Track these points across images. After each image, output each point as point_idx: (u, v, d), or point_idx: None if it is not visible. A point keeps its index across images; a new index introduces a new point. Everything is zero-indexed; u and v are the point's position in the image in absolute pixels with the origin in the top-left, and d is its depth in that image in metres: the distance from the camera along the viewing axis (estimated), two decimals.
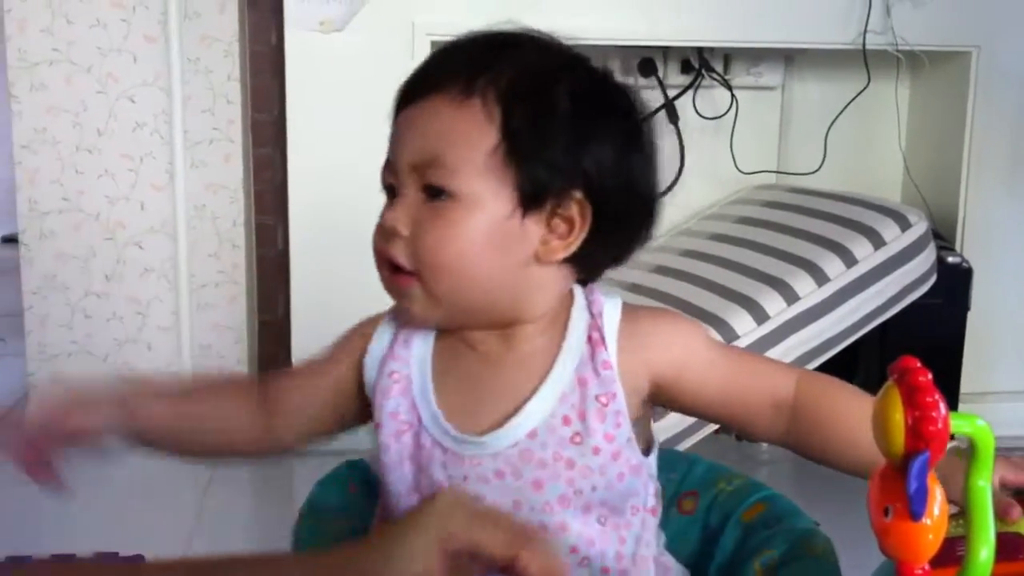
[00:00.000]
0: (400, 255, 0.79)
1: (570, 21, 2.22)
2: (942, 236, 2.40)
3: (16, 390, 2.50)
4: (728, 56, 2.47)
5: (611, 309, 0.84)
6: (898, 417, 0.58)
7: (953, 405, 2.43)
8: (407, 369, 0.85)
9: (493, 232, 0.78)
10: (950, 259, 2.33)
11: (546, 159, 0.78)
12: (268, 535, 2.07)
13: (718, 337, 1.97)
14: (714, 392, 0.85)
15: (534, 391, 0.81)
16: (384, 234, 0.80)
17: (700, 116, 2.46)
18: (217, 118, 2.31)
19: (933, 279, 2.22)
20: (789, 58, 2.53)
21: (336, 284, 2.29)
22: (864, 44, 2.30)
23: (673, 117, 2.43)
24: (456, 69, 0.80)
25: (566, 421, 0.81)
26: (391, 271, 0.81)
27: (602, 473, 0.81)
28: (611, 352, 0.82)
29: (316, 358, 0.93)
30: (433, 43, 2.21)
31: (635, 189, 0.83)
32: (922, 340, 2.36)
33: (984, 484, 0.60)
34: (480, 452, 0.81)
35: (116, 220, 2.33)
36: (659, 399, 0.86)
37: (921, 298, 2.20)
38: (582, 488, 0.81)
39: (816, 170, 2.48)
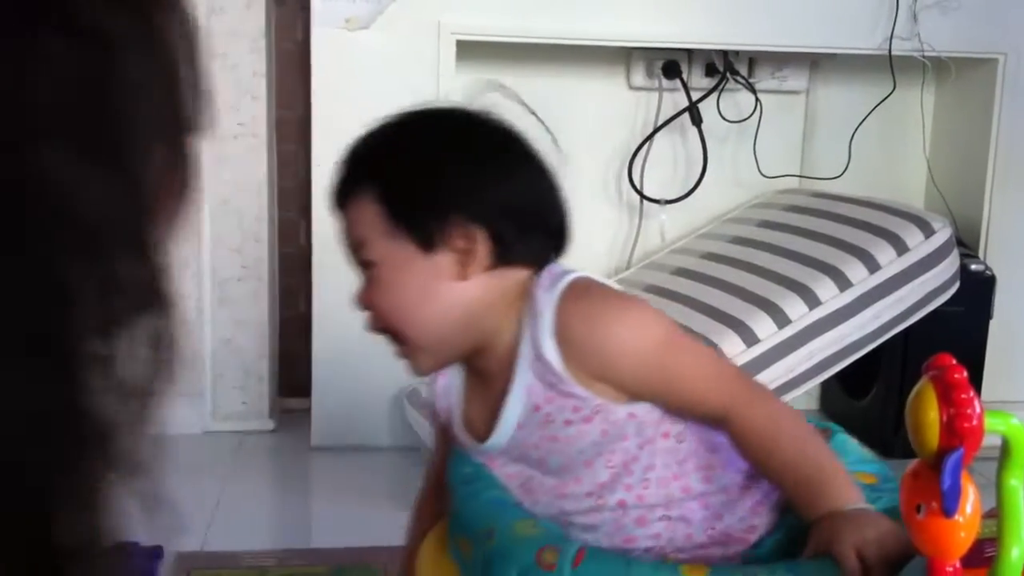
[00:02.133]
0: (372, 324, 1.02)
1: (593, 23, 2.25)
2: (965, 244, 2.39)
3: None
4: (753, 59, 2.46)
5: (546, 310, 0.97)
6: (933, 414, 0.58)
7: None
8: (447, 397, 1.09)
9: (412, 276, 0.98)
10: (973, 267, 2.32)
11: (420, 206, 0.98)
12: (287, 525, 2.08)
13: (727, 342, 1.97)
14: (642, 391, 0.97)
15: (509, 393, 0.99)
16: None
17: (724, 119, 2.45)
18: (242, 114, 2.33)
19: (956, 286, 2.21)
20: (814, 62, 2.52)
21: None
22: (890, 50, 2.29)
23: (696, 120, 2.43)
24: (340, 183, 1.03)
25: (537, 408, 0.99)
26: (390, 338, 1.03)
27: (582, 437, 0.97)
28: (548, 348, 0.96)
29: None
30: (459, 43, 2.22)
31: (505, 200, 1.00)
32: (944, 347, 2.31)
33: (1016, 484, 0.59)
34: (491, 451, 1.03)
35: None
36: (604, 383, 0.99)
37: (943, 305, 2.19)
38: (570, 452, 0.98)
39: (840, 175, 2.47)
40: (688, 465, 0.98)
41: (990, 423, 0.58)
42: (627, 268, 2.51)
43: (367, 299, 1.01)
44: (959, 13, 2.32)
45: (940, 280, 2.17)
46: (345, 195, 1.02)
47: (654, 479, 0.96)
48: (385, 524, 2.00)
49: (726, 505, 0.97)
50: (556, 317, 0.96)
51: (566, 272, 0.99)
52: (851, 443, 1.09)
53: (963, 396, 0.58)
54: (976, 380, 2.38)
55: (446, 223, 0.97)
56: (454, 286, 0.98)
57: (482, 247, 0.97)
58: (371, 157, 1.02)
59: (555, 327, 0.96)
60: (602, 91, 2.47)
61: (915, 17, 2.29)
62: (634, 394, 0.97)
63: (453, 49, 2.22)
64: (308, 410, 2.35)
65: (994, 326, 2.36)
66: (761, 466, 0.96)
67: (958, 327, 2.30)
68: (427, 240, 0.97)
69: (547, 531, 0.94)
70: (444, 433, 1.11)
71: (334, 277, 2.30)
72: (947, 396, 0.58)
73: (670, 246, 2.49)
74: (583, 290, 0.98)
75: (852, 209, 2.26)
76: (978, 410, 0.57)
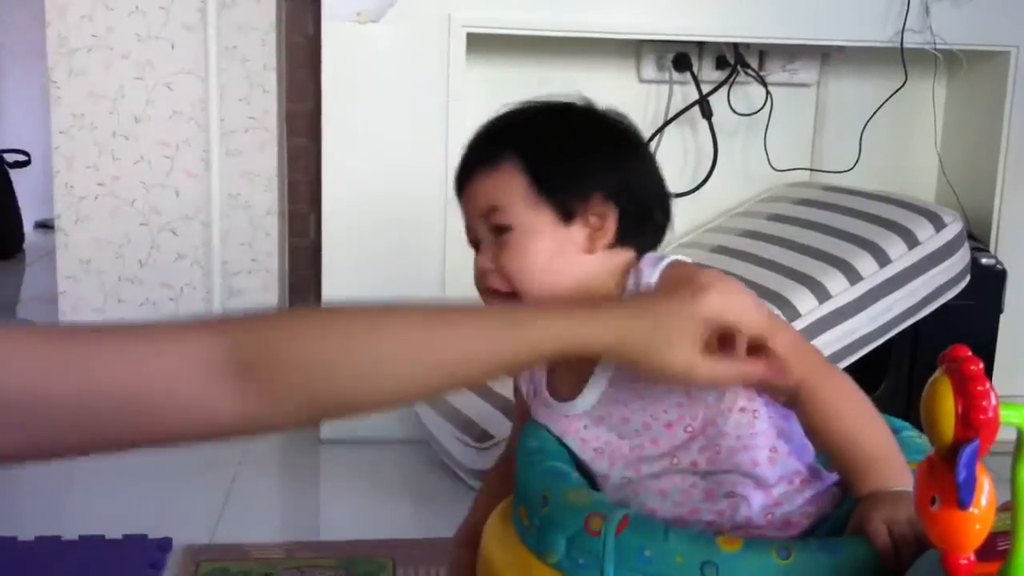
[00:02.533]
0: (494, 283, 1.08)
1: (604, 16, 2.25)
2: (976, 237, 2.38)
3: None
4: (763, 52, 2.46)
5: (652, 276, 1.06)
6: (948, 406, 0.58)
7: None
8: (527, 372, 1.16)
9: (548, 243, 1.06)
10: (984, 260, 2.31)
11: (565, 180, 1.07)
12: (296, 518, 2.08)
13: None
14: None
15: None
16: (481, 274, 1.10)
17: (734, 112, 2.45)
18: (253, 107, 2.33)
19: (967, 280, 2.21)
20: (825, 55, 2.51)
21: (367, 274, 2.30)
22: (902, 42, 2.28)
23: (707, 112, 2.42)
24: (481, 152, 1.11)
25: None
26: (496, 298, 1.09)
27: (668, 395, 1.03)
28: None
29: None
30: (469, 35, 2.22)
31: (631, 185, 1.10)
32: (954, 341, 2.31)
33: None
34: (577, 410, 1.09)
35: (151, 206, 2.35)
36: None
37: (954, 299, 2.19)
38: (653, 411, 1.04)
39: (850, 168, 2.47)
40: (757, 441, 1.02)
41: (1005, 415, 0.58)
42: None
43: (495, 261, 1.08)
44: (971, 6, 2.31)
45: (951, 274, 2.16)
46: (486, 162, 1.10)
47: (725, 447, 1.01)
48: (394, 517, 2.01)
49: (786, 495, 1.01)
50: (660, 280, 1.05)
51: (666, 255, 1.09)
52: (916, 441, 1.12)
53: (979, 388, 0.58)
54: (986, 374, 2.36)
55: (587, 199, 1.07)
56: (580, 257, 1.07)
57: (610, 224, 1.07)
58: (518, 131, 1.11)
59: (659, 287, 1.06)
60: (612, 84, 2.47)
61: (927, 10, 2.28)
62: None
63: (464, 42, 2.22)
64: None
65: (1005, 320, 2.36)
66: (821, 437, 1.00)
67: (968, 321, 2.29)
68: (567, 212, 1.07)
69: (596, 500, 0.98)
70: (521, 409, 1.19)
71: (343, 270, 2.31)
72: (963, 388, 0.58)
73: (679, 240, 2.49)
74: (683, 264, 1.08)
75: (862, 203, 2.25)
76: (994, 402, 0.57)
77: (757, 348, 0.94)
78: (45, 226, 4.53)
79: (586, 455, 1.09)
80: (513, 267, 1.07)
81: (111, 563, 1.76)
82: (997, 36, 2.35)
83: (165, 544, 1.80)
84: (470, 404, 2.14)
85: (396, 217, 2.30)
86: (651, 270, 1.06)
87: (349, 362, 0.78)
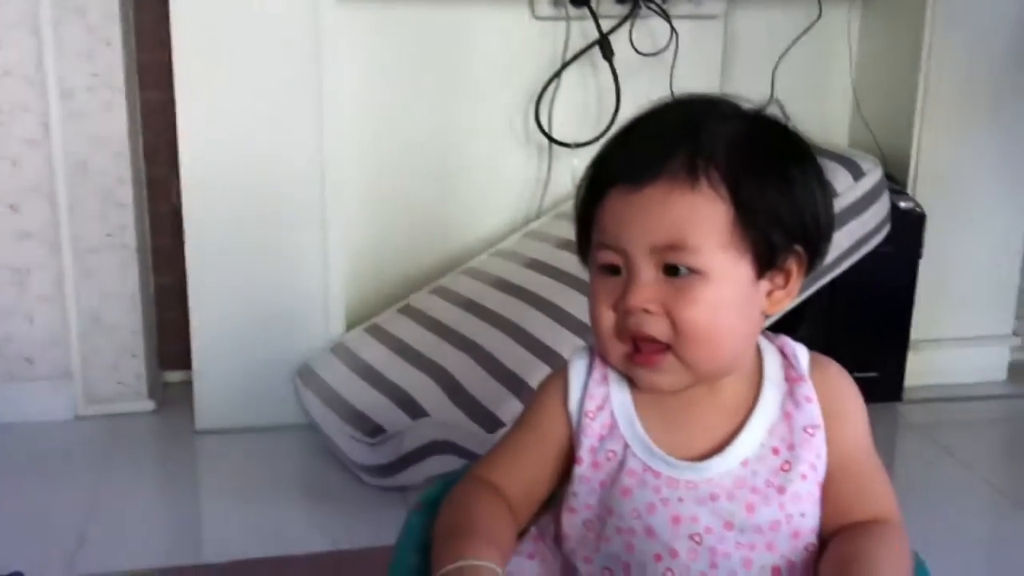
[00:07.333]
0: (655, 330, 0.83)
1: None
2: (894, 178, 2.24)
3: None
4: None
5: (801, 352, 0.90)
6: None
7: (903, 352, 2.31)
8: (608, 405, 0.90)
9: (739, 298, 0.84)
10: (902, 204, 2.18)
11: (775, 222, 0.83)
12: (172, 532, 1.85)
13: None
14: (831, 466, 0.88)
15: (742, 424, 0.87)
16: (630, 313, 0.83)
17: (637, 52, 2.24)
18: (95, 63, 2.04)
19: (887, 229, 2.08)
20: None
21: (237, 244, 2.07)
22: None
23: (608, 52, 2.21)
24: (672, 151, 0.82)
25: (775, 451, 0.87)
26: (636, 347, 0.85)
27: (810, 500, 0.86)
28: (810, 387, 0.88)
29: (519, 433, 0.94)
30: None
31: (830, 225, 0.88)
32: (873, 287, 2.23)
33: None
34: (696, 477, 0.86)
35: None
36: None
37: None
38: (792, 513, 0.85)
39: None
40: None
41: None
42: (537, 217, 2.32)
43: (666, 305, 0.83)
44: None
45: (871, 225, 2.03)
46: (681, 175, 0.81)
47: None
48: (286, 523, 1.82)
49: None
50: (808, 355, 0.91)
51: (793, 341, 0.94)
52: None
53: None
54: (906, 319, 2.27)
55: (789, 249, 0.85)
56: (759, 316, 0.87)
57: (796, 281, 0.87)
58: (726, 145, 0.82)
59: (808, 359, 0.90)
60: (504, 22, 2.24)
61: None
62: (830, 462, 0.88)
63: None
64: (191, 383, 2.14)
65: (923, 264, 2.24)
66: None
67: (887, 267, 2.18)
68: (768, 262, 0.84)
69: None
70: (553, 447, 0.92)
71: (210, 241, 2.07)
72: None
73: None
74: (829, 366, 0.92)
75: None
76: None
77: None
78: None
79: (677, 543, 0.84)
80: (699, 321, 0.82)
81: None
82: None
83: None
84: (357, 393, 1.94)
85: (266, 179, 2.06)
86: (799, 353, 0.89)
87: None
